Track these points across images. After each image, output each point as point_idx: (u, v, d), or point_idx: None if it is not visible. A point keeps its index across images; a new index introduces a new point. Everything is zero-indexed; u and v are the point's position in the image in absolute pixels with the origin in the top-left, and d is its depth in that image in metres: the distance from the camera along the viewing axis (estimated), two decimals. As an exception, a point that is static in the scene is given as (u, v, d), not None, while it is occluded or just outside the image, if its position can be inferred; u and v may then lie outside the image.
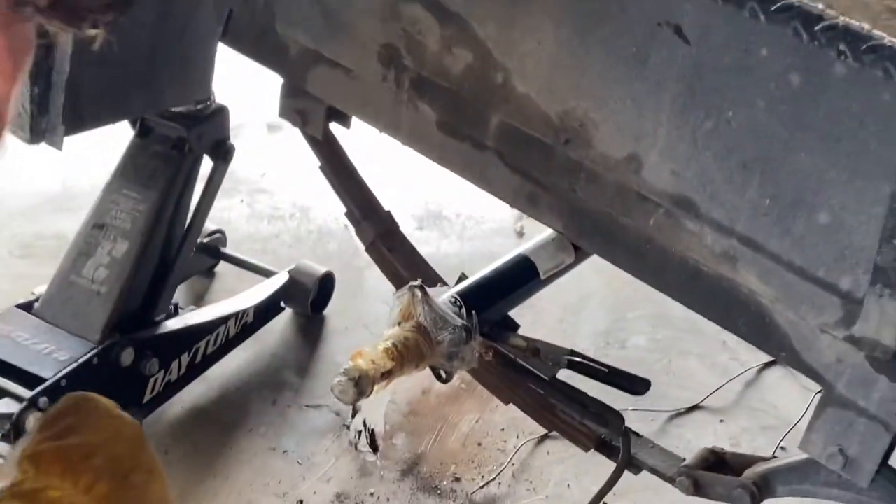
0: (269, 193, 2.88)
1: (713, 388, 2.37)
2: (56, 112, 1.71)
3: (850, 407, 1.43)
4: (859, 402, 1.42)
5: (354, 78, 1.77)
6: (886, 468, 1.47)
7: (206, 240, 2.47)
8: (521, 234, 2.94)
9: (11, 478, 1.00)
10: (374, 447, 2.08)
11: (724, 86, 1.38)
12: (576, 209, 1.61)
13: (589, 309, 2.61)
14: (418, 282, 1.75)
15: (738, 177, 1.42)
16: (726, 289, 1.49)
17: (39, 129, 1.73)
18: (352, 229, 2.73)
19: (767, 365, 2.46)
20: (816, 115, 1.32)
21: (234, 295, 2.32)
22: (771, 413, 2.33)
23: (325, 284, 2.46)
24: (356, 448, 2.09)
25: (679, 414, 2.29)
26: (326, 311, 2.45)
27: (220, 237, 2.54)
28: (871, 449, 1.45)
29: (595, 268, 2.73)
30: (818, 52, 1.19)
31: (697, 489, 1.68)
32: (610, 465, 1.87)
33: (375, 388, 1.63)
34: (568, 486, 2.07)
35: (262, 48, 1.89)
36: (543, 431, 2.19)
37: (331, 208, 2.82)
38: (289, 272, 2.40)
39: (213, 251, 2.52)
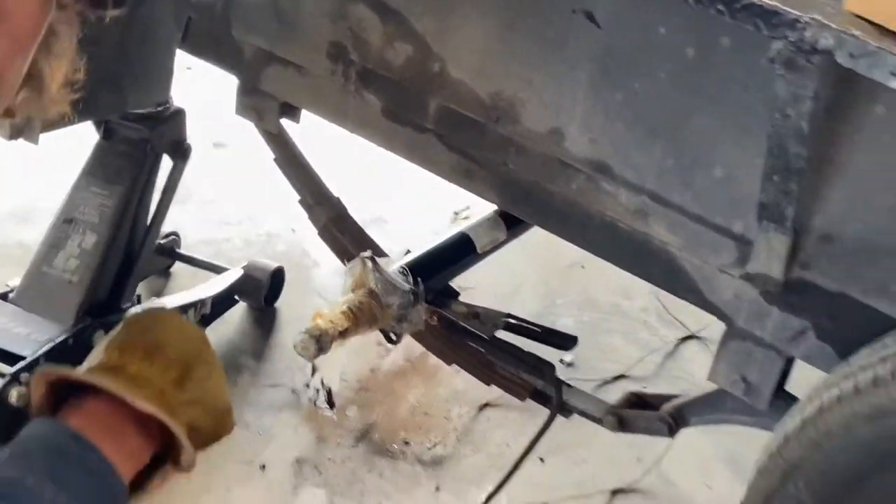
0: (218, 203, 3.05)
1: (636, 360, 2.59)
2: (33, 110, 1.88)
3: (748, 338, 1.65)
4: (756, 333, 1.64)
5: (305, 74, 1.97)
6: (782, 392, 1.69)
7: (162, 241, 2.63)
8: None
9: (100, 360, 1.18)
10: (331, 404, 2.26)
11: (630, 62, 1.61)
12: (508, 180, 1.81)
13: (521, 295, 2.81)
14: (368, 253, 1.95)
15: (646, 141, 1.64)
16: (640, 241, 1.70)
17: (17, 127, 1.89)
18: (297, 233, 2.97)
19: (684, 339, 2.69)
20: (709, 83, 1.56)
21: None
22: (688, 380, 2.54)
23: (277, 278, 2.64)
24: (315, 404, 2.27)
25: (606, 383, 2.50)
26: (278, 304, 2.63)
27: (175, 238, 2.70)
28: (768, 374, 1.67)
29: (526, 258, 2.98)
30: (704, 19, 1.40)
31: (622, 425, 1.90)
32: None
33: (333, 345, 1.82)
34: (507, 445, 2.27)
35: (219, 52, 2.08)
36: (484, 401, 2.39)
37: (277, 215, 3.00)
38: (242, 268, 2.58)
39: (169, 251, 2.68)
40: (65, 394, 1.14)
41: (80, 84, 1.09)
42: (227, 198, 3.08)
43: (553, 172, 1.75)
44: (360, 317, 1.85)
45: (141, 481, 1.15)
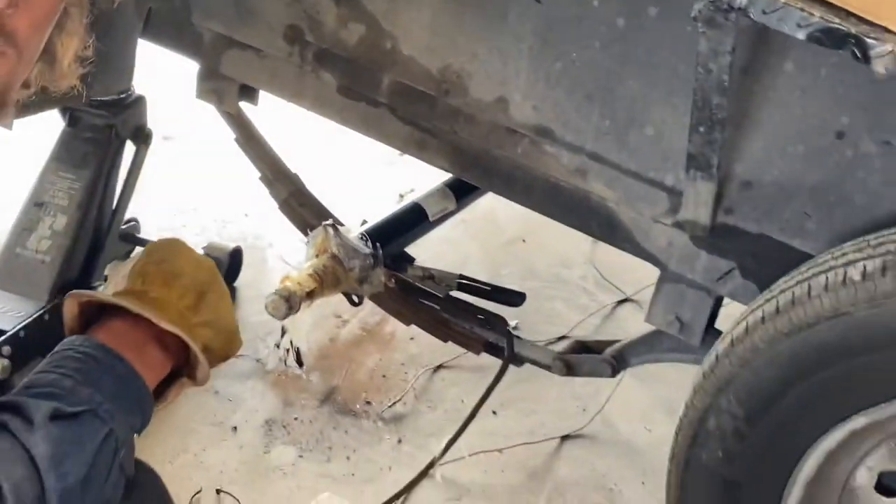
0: (171, 193, 3.16)
1: (577, 322, 2.77)
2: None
3: (680, 280, 1.83)
4: (687, 275, 1.82)
5: (263, 57, 2.10)
6: (712, 329, 1.87)
7: (123, 227, 2.74)
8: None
9: (123, 286, 1.31)
10: (300, 363, 2.40)
11: (568, 34, 1.77)
12: (458, 148, 1.96)
13: (467, 269, 2.93)
14: (330, 221, 2.09)
15: (584, 106, 1.81)
16: (581, 198, 1.87)
17: (-8, 112, 2.00)
18: (251, 217, 3.10)
19: (620, 302, 2.88)
20: (639, 50, 1.73)
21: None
22: (625, 338, 2.73)
23: (235, 258, 2.76)
24: (285, 364, 2.41)
25: (549, 343, 2.66)
26: (237, 283, 2.76)
27: (135, 224, 2.80)
28: (699, 313, 1.85)
29: (470, 235, 3.15)
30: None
31: (569, 369, 2.06)
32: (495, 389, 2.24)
33: (302, 305, 1.96)
34: (462, 401, 2.42)
35: (180, 39, 2.19)
36: (438, 363, 2.54)
37: (229, 201, 3.13)
38: (202, 249, 2.70)
39: (130, 237, 2.79)
40: (93, 316, 1.27)
41: (89, 60, 1.22)
42: (180, 187, 3.20)
43: (500, 138, 1.90)
44: (326, 279, 1.99)
45: (160, 392, 1.28)
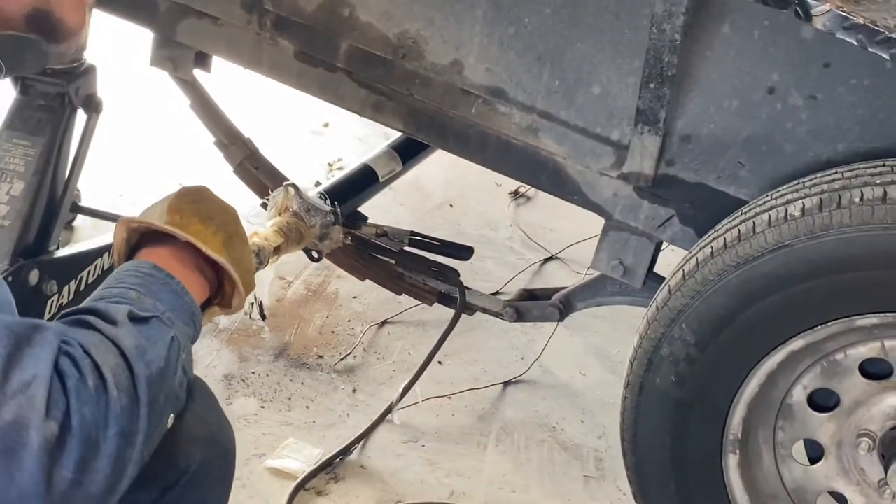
0: (104, 163, 3.21)
1: (508, 279, 2.93)
2: (-33, 65, 2.03)
3: (624, 228, 1.99)
4: (630, 223, 1.97)
5: (221, 25, 2.17)
6: (652, 274, 2.04)
7: (64, 195, 2.79)
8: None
9: (161, 222, 1.40)
10: (263, 315, 2.50)
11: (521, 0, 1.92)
12: (414, 110, 2.08)
13: (399, 233, 3.11)
14: (291, 181, 2.20)
15: (535, 67, 1.95)
16: (531, 154, 2.01)
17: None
18: (188, 182, 3.16)
19: (546, 261, 3.05)
20: (586, 14, 1.87)
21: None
22: (554, 293, 2.91)
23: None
24: (250, 317, 2.51)
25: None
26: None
27: (77, 193, 2.86)
28: (641, 258, 2.01)
29: (400, 202, 3.28)
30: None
31: (519, 316, 2.22)
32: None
33: (269, 260, 2.06)
34: (408, 353, 2.56)
35: (134, 8, 2.26)
36: (382, 319, 2.67)
37: (163, 170, 3.19)
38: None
39: (73, 206, 2.84)
40: (140, 243, 1.38)
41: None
42: (111, 158, 3.24)
43: (454, 99, 2.03)
44: (290, 235, 2.09)
45: None
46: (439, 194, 3.32)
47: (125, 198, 3.08)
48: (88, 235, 2.78)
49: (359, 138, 3.51)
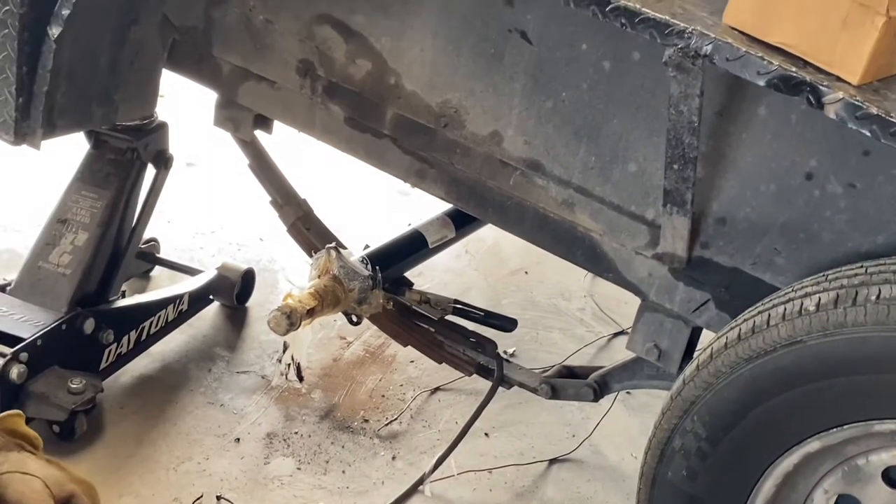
0: (191, 216, 3.30)
1: (572, 351, 2.86)
2: (36, 118, 2.10)
3: (659, 310, 1.93)
4: (666, 305, 1.92)
5: (277, 89, 2.23)
6: (690, 358, 1.96)
7: (143, 246, 2.87)
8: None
9: None
10: (300, 377, 2.51)
11: (558, 74, 1.89)
12: (454, 178, 2.08)
13: (469, 297, 3.06)
14: (333, 244, 2.21)
15: (572, 142, 1.92)
16: (568, 229, 1.98)
17: (21, 133, 2.13)
18: (265, 242, 3.22)
19: (616, 335, 2.97)
20: (623, 91, 1.84)
21: (171, 291, 2.74)
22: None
23: (248, 279, 2.88)
24: (286, 378, 2.52)
25: (545, 371, 2.77)
26: (249, 303, 2.88)
27: (154, 244, 2.94)
28: (677, 341, 1.95)
29: (474, 266, 3.26)
30: (618, 36, 1.69)
31: (555, 393, 2.16)
32: (488, 412, 2.35)
33: (303, 322, 2.07)
34: (456, 422, 2.52)
35: (200, 70, 2.33)
36: (436, 385, 2.65)
37: (245, 226, 3.26)
38: (216, 269, 2.82)
39: (150, 256, 2.91)
40: None
41: None
42: (199, 212, 3.33)
43: (493, 170, 2.02)
44: (326, 298, 2.10)
45: None
46: (516, 261, 3.28)
47: (206, 250, 3.15)
48: (165, 285, 2.85)
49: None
